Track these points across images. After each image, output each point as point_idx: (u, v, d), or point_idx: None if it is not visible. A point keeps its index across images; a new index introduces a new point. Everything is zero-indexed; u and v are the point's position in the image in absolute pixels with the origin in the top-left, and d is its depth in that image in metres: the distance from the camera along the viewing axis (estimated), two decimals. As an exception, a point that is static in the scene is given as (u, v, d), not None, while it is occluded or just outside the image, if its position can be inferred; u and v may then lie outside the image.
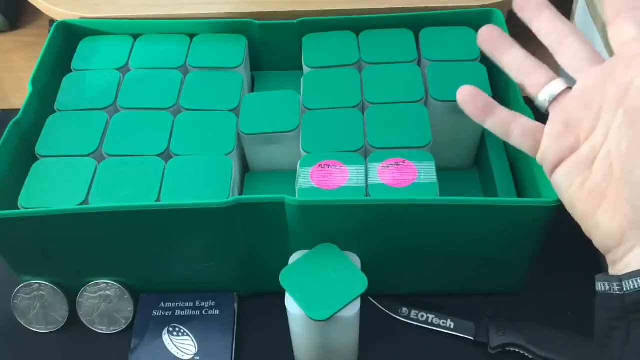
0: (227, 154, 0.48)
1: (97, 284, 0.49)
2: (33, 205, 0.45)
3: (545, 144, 0.38)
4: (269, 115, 0.51)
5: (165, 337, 0.49)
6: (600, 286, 0.34)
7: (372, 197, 0.44)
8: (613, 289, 0.33)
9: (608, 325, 0.34)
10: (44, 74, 0.53)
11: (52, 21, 0.63)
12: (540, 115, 0.39)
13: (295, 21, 0.57)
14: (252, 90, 0.60)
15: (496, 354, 0.48)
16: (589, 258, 0.46)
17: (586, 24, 0.51)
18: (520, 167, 0.51)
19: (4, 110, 0.66)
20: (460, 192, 0.54)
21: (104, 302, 0.50)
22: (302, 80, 0.53)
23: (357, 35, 0.57)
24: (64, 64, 0.56)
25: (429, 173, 0.46)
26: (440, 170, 0.46)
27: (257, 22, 0.57)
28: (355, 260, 0.42)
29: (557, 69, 0.41)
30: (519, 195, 0.50)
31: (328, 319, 0.39)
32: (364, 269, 0.41)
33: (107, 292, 0.50)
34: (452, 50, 0.54)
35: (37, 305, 0.50)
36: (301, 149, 0.48)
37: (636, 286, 0.32)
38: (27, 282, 0.49)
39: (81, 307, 0.50)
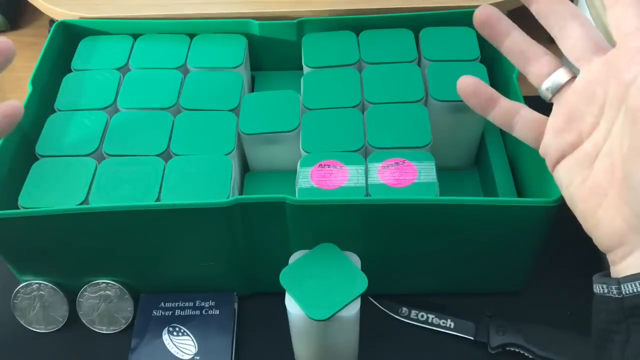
0: (227, 154, 0.48)
1: (97, 284, 0.49)
2: (33, 205, 0.45)
3: (547, 139, 0.37)
4: (269, 115, 0.51)
5: (165, 337, 0.49)
6: (598, 288, 0.33)
7: (372, 197, 0.44)
8: (612, 291, 0.32)
9: (606, 328, 0.33)
10: (44, 74, 0.53)
11: (52, 21, 0.63)
12: (544, 108, 0.38)
13: (295, 21, 0.57)
14: (252, 90, 0.60)
15: (496, 354, 0.48)
16: (589, 258, 0.46)
17: (586, 24, 0.51)
18: (520, 167, 0.51)
19: (4, 110, 0.66)
20: (460, 192, 0.54)
21: (104, 302, 0.50)
22: (302, 80, 0.53)
23: (357, 35, 0.57)
24: (64, 64, 0.56)
25: (429, 173, 0.46)
26: (440, 170, 0.46)
27: (257, 22, 0.57)
28: (355, 260, 0.42)
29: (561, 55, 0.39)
30: (519, 195, 0.50)
31: (328, 319, 0.39)
32: (364, 269, 0.41)
33: (107, 292, 0.50)
34: (452, 50, 0.54)
35: (37, 305, 0.50)
36: (301, 149, 0.48)
37: (635, 290, 0.32)
38: (27, 282, 0.49)
39: (81, 307, 0.50)
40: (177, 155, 0.49)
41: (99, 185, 0.46)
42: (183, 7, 0.60)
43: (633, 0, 0.34)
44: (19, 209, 0.45)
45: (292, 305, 0.40)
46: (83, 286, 0.49)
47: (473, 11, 0.56)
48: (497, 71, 0.55)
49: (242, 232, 0.46)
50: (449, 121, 0.52)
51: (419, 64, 0.55)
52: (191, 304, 0.50)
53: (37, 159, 0.49)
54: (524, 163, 0.50)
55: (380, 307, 0.51)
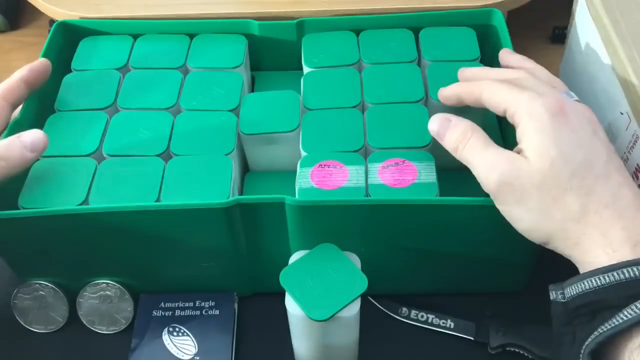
0: (227, 154, 0.48)
1: (97, 284, 0.49)
2: (33, 205, 0.45)
3: None
4: (269, 115, 0.51)
5: (165, 337, 0.49)
6: (551, 295, 0.36)
7: (372, 197, 0.44)
8: (558, 296, 0.36)
9: (558, 331, 0.36)
10: (44, 74, 0.53)
11: (52, 21, 0.63)
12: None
13: (295, 21, 0.57)
14: (252, 90, 0.60)
15: (496, 354, 0.48)
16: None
17: (586, 24, 0.51)
18: (520, 167, 0.51)
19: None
20: (460, 192, 0.53)
21: (104, 302, 0.50)
22: (302, 80, 0.53)
23: (357, 35, 0.57)
24: (64, 64, 0.56)
25: (429, 173, 0.46)
26: (440, 170, 0.46)
27: (257, 22, 0.57)
28: (355, 260, 0.42)
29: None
30: (519, 195, 0.50)
31: (328, 319, 0.39)
32: (364, 269, 0.41)
33: (107, 292, 0.50)
34: (452, 50, 0.54)
35: (37, 305, 0.50)
36: (301, 149, 0.48)
37: (574, 292, 0.35)
38: (27, 282, 0.49)
39: (81, 307, 0.50)
40: (177, 155, 0.49)
41: (99, 185, 0.46)
42: (183, 7, 0.60)
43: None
44: (19, 209, 0.45)
45: (292, 305, 0.40)
46: (83, 286, 0.49)
47: (473, 11, 0.57)
48: (497, 71, 0.55)
49: (242, 232, 0.46)
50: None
51: (419, 64, 0.55)
52: (191, 304, 0.50)
53: (37, 159, 0.49)
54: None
55: (380, 307, 0.51)
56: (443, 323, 0.50)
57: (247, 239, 0.47)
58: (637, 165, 0.44)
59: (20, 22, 0.76)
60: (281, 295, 0.41)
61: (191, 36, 0.58)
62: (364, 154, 0.48)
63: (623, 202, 0.36)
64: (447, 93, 0.47)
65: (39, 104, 0.52)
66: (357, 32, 0.57)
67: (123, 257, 0.48)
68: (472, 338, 0.49)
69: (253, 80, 0.61)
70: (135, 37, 0.58)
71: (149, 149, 0.49)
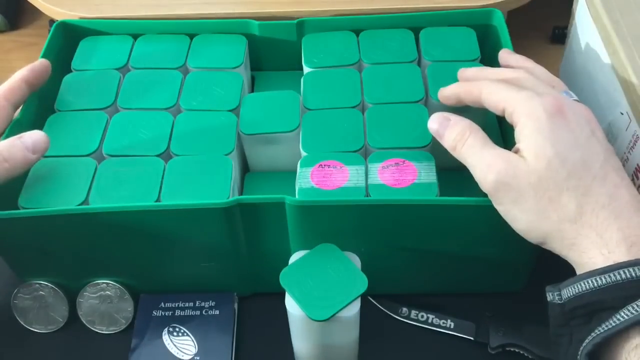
0: (227, 154, 0.48)
1: (97, 284, 0.49)
2: (33, 205, 0.45)
3: None
4: (269, 115, 0.51)
5: (165, 337, 0.49)
6: (548, 296, 0.36)
7: (372, 197, 0.44)
8: (555, 298, 0.36)
9: (555, 332, 0.36)
10: (44, 74, 0.53)
11: (52, 21, 0.63)
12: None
13: (295, 21, 0.57)
14: (252, 90, 0.60)
15: (496, 354, 0.48)
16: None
17: (586, 24, 0.51)
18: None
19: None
20: (460, 192, 0.53)
21: (104, 302, 0.50)
22: (302, 80, 0.53)
23: (357, 35, 0.57)
24: (64, 64, 0.56)
25: (429, 173, 0.46)
26: (440, 170, 0.46)
27: (257, 22, 0.57)
28: (355, 260, 0.42)
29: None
30: (519, 195, 0.50)
31: (328, 319, 0.39)
32: (364, 269, 0.41)
33: (107, 292, 0.50)
34: (452, 50, 0.54)
35: (37, 305, 0.50)
36: (301, 149, 0.48)
37: (571, 294, 0.35)
38: (27, 282, 0.49)
39: (81, 307, 0.50)
40: (177, 155, 0.49)
41: (99, 186, 0.46)
42: (183, 7, 0.60)
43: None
44: (19, 209, 0.45)
45: (292, 306, 0.40)
46: (83, 286, 0.49)
47: (473, 11, 0.57)
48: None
49: (242, 232, 0.46)
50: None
51: (419, 64, 0.55)
52: (191, 304, 0.50)
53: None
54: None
55: (380, 307, 0.51)
56: (443, 323, 0.50)
57: (247, 239, 0.47)
58: (637, 165, 0.44)
59: (20, 22, 0.76)
60: (281, 295, 0.41)
61: (191, 36, 0.58)
62: (364, 154, 0.48)
63: (620, 203, 0.36)
64: (447, 93, 0.47)
65: (39, 104, 0.52)
66: (357, 32, 0.57)
67: (123, 257, 0.48)
68: (472, 338, 0.49)
69: (253, 80, 0.61)
70: (135, 37, 0.58)
71: (149, 149, 0.49)
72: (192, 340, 0.49)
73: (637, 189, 0.44)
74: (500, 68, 0.48)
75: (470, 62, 0.53)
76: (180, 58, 0.56)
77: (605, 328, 0.33)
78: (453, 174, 0.52)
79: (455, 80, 0.48)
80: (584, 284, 0.34)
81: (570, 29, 0.56)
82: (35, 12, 0.69)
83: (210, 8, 0.59)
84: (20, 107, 0.50)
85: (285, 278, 0.41)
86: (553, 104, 0.39)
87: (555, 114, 0.38)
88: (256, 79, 0.61)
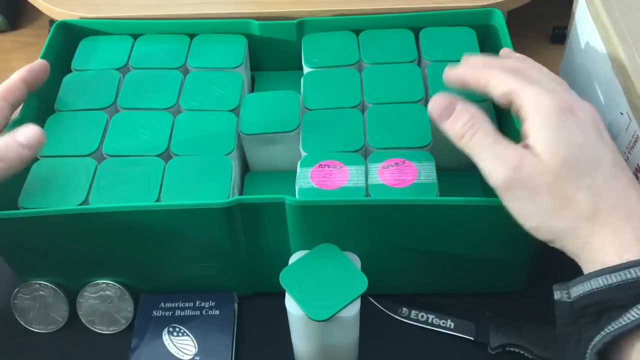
0: (227, 154, 0.48)
1: (97, 284, 0.49)
2: (33, 205, 0.45)
3: None
4: (269, 115, 0.51)
5: (165, 337, 0.49)
6: (556, 294, 0.36)
7: (372, 197, 0.44)
8: (563, 297, 0.35)
9: (563, 331, 0.36)
10: (44, 74, 0.53)
11: (52, 21, 0.63)
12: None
13: (295, 21, 0.57)
14: (252, 90, 0.60)
15: (496, 354, 0.48)
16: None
17: (586, 23, 0.51)
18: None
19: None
20: (460, 192, 0.53)
21: (104, 302, 0.50)
22: (302, 80, 0.53)
23: (357, 35, 0.57)
24: (64, 64, 0.56)
25: (429, 173, 0.46)
26: (440, 170, 0.46)
27: (257, 22, 0.57)
28: (355, 260, 0.42)
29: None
30: (519, 195, 0.50)
31: (328, 319, 0.39)
32: (364, 269, 0.41)
33: (107, 292, 0.50)
34: (452, 50, 0.54)
35: (37, 305, 0.50)
36: (301, 149, 0.48)
37: (580, 292, 0.34)
38: (27, 282, 0.49)
39: (81, 307, 0.50)
40: (177, 155, 0.49)
41: (99, 186, 0.46)
42: (183, 7, 0.60)
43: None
44: (19, 209, 0.45)
45: (292, 306, 0.40)
46: (83, 286, 0.49)
47: (473, 11, 0.57)
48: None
49: (242, 232, 0.46)
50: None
51: (419, 64, 0.55)
52: (191, 304, 0.50)
53: (37, 159, 0.48)
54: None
55: (380, 307, 0.51)
56: (443, 323, 0.50)
57: (247, 239, 0.47)
58: (638, 165, 0.44)
59: (20, 22, 0.76)
60: (281, 295, 0.41)
61: (191, 36, 0.58)
62: (364, 154, 0.48)
63: (630, 202, 0.36)
64: (454, 76, 0.45)
65: (39, 104, 0.52)
66: (357, 32, 0.57)
67: (123, 257, 0.48)
68: (472, 338, 0.49)
69: (253, 80, 0.61)
70: (135, 37, 0.58)
71: (149, 149, 0.49)
72: (192, 340, 0.49)
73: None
74: (507, 58, 0.46)
75: (470, 62, 0.53)
76: (180, 58, 0.56)
77: (616, 326, 0.33)
78: (453, 174, 0.52)
79: None
80: (595, 282, 0.34)
81: (570, 28, 0.56)
82: (35, 12, 0.69)
83: (210, 8, 0.59)
84: (20, 107, 0.50)
85: (285, 278, 0.41)
86: (563, 101, 0.38)
87: (565, 111, 0.37)
88: (256, 79, 0.61)
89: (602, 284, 0.34)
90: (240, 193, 0.53)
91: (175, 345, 0.49)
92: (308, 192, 0.45)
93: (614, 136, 0.46)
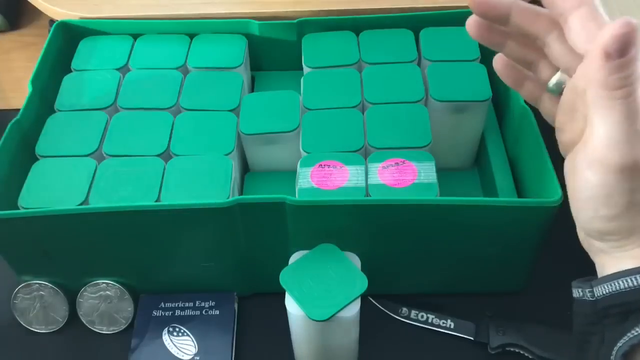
0: (227, 154, 0.48)
1: (97, 284, 0.49)
2: (33, 205, 0.45)
3: (556, 133, 0.37)
4: (269, 115, 0.51)
5: (165, 337, 0.49)
6: (576, 292, 0.35)
7: (372, 197, 0.44)
8: (586, 295, 0.34)
9: (584, 330, 0.35)
10: (44, 74, 0.53)
11: (52, 21, 0.63)
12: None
13: (295, 21, 0.57)
14: (252, 90, 0.60)
15: (496, 354, 0.48)
16: (589, 258, 0.46)
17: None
18: (520, 167, 0.51)
19: (3, 110, 0.66)
20: (460, 192, 0.54)
21: (104, 302, 0.50)
22: (302, 80, 0.53)
23: (357, 35, 0.57)
24: (64, 64, 0.56)
25: (429, 173, 0.46)
26: (440, 170, 0.46)
27: (257, 22, 0.57)
28: (355, 260, 0.42)
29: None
30: (519, 195, 0.50)
31: (328, 319, 0.39)
32: (364, 269, 0.41)
33: (107, 292, 0.50)
34: (452, 50, 0.54)
35: (37, 305, 0.50)
36: (301, 149, 0.48)
37: (606, 292, 0.33)
38: (27, 282, 0.49)
39: (81, 307, 0.50)
40: (177, 155, 0.49)
41: (99, 185, 0.46)
42: (183, 7, 0.60)
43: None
44: (19, 209, 0.45)
45: (292, 306, 0.40)
46: (83, 286, 0.49)
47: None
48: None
49: (242, 232, 0.46)
50: (449, 121, 0.52)
51: (419, 64, 0.55)
52: (191, 304, 0.50)
53: (37, 159, 0.49)
54: (524, 163, 0.50)
55: (380, 307, 0.51)
56: (443, 323, 0.50)
57: (247, 239, 0.47)
58: (637, 165, 0.44)
59: (20, 22, 0.76)
60: (281, 295, 0.41)
61: (191, 36, 0.58)
62: (364, 154, 0.48)
63: None
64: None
65: (39, 104, 0.52)
66: (357, 32, 0.57)
67: (123, 257, 0.48)
68: (472, 338, 0.49)
69: (253, 80, 0.61)
70: (135, 37, 0.58)
71: (149, 149, 0.49)
72: (192, 340, 0.49)
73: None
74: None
75: (470, 62, 0.53)
76: (180, 58, 0.56)
77: None
78: (453, 174, 0.52)
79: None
80: (622, 282, 0.33)
81: (570, 29, 0.56)
82: (35, 12, 0.69)
83: (210, 8, 0.59)
84: (21, 107, 0.50)
85: (285, 278, 0.41)
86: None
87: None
88: (256, 79, 0.61)
89: (629, 285, 0.32)
90: (240, 193, 0.53)
91: (175, 345, 0.49)
92: (308, 192, 0.45)
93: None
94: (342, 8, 0.59)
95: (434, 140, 0.48)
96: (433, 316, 0.50)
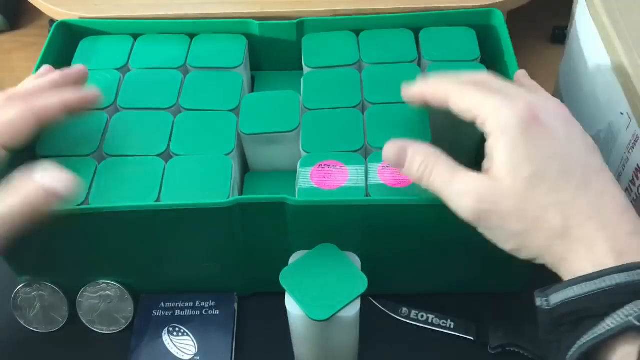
0: (227, 154, 0.48)
1: (97, 284, 0.49)
2: (33, 205, 0.45)
3: None
4: (269, 115, 0.51)
5: (165, 337, 0.49)
6: (537, 301, 0.36)
7: (372, 197, 0.44)
8: (543, 304, 0.35)
9: (545, 338, 0.35)
10: (44, 74, 0.53)
11: (52, 21, 0.63)
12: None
13: (295, 21, 0.57)
14: (252, 90, 0.60)
15: (496, 354, 0.48)
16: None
17: (586, 24, 0.51)
18: (520, 167, 0.51)
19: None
20: (460, 192, 0.53)
21: (104, 302, 0.50)
22: (302, 80, 0.53)
23: (357, 35, 0.57)
24: (64, 64, 0.56)
25: (429, 173, 0.46)
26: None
27: (257, 22, 0.57)
28: (355, 260, 0.42)
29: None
30: (519, 195, 0.50)
31: (328, 319, 0.39)
32: (364, 269, 0.41)
33: (107, 292, 0.50)
34: (452, 50, 0.54)
35: (37, 305, 0.50)
36: (301, 149, 0.48)
37: (559, 300, 0.34)
38: (27, 282, 0.49)
39: (81, 307, 0.50)
40: (177, 155, 0.49)
41: (99, 185, 0.46)
42: (183, 7, 0.60)
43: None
44: (19, 209, 0.45)
45: (292, 305, 0.40)
46: (83, 286, 0.49)
47: (473, 11, 0.57)
48: (497, 71, 0.54)
49: (242, 232, 0.46)
50: (449, 121, 0.51)
51: (419, 64, 0.55)
52: (191, 304, 0.50)
53: (37, 159, 0.48)
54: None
55: (380, 307, 0.51)
56: (443, 323, 0.50)
57: (247, 239, 0.47)
58: (638, 165, 0.44)
59: (20, 22, 0.76)
60: (281, 295, 0.41)
61: (191, 36, 0.58)
62: (364, 154, 0.48)
63: (605, 211, 0.35)
64: (412, 92, 0.45)
65: (39, 104, 0.52)
66: (357, 32, 0.57)
67: (123, 257, 0.48)
68: (472, 338, 0.49)
69: (253, 80, 0.61)
70: (135, 37, 0.58)
71: (149, 149, 0.49)
72: (192, 340, 0.49)
73: (637, 190, 0.44)
74: (467, 72, 0.45)
75: (470, 62, 0.53)
76: (180, 58, 0.56)
77: (591, 336, 0.32)
78: (453, 174, 0.52)
79: None
80: (570, 290, 0.33)
81: (570, 29, 0.56)
82: (35, 12, 0.69)
83: (210, 8, 0.59)
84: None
85: (285, 278, 0.41)
86: (525, 110, 0.37)
87: (529, 122, 0.36)
88: (256, 79, 0.61)
89: (577, 293, 0.33)
90: (240, 193, 0.53)
91: (175, 345, 0.49)
92: (308, 192, 0.45)
93: (614, 136, 0.46)
94: (342, 8, 0.59)
95: (434, 141, 0.48)
96: (433, 316, 0.50)
